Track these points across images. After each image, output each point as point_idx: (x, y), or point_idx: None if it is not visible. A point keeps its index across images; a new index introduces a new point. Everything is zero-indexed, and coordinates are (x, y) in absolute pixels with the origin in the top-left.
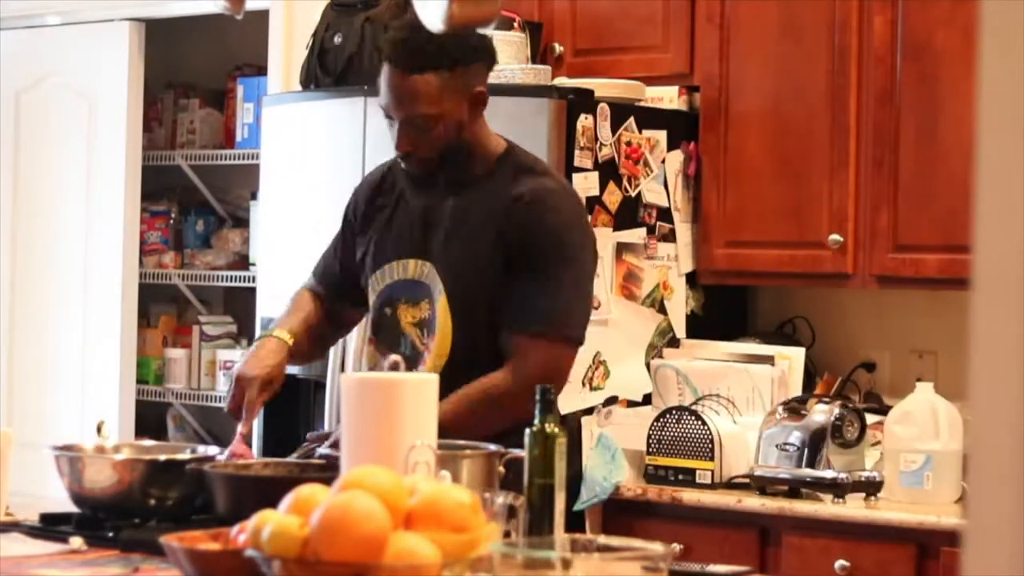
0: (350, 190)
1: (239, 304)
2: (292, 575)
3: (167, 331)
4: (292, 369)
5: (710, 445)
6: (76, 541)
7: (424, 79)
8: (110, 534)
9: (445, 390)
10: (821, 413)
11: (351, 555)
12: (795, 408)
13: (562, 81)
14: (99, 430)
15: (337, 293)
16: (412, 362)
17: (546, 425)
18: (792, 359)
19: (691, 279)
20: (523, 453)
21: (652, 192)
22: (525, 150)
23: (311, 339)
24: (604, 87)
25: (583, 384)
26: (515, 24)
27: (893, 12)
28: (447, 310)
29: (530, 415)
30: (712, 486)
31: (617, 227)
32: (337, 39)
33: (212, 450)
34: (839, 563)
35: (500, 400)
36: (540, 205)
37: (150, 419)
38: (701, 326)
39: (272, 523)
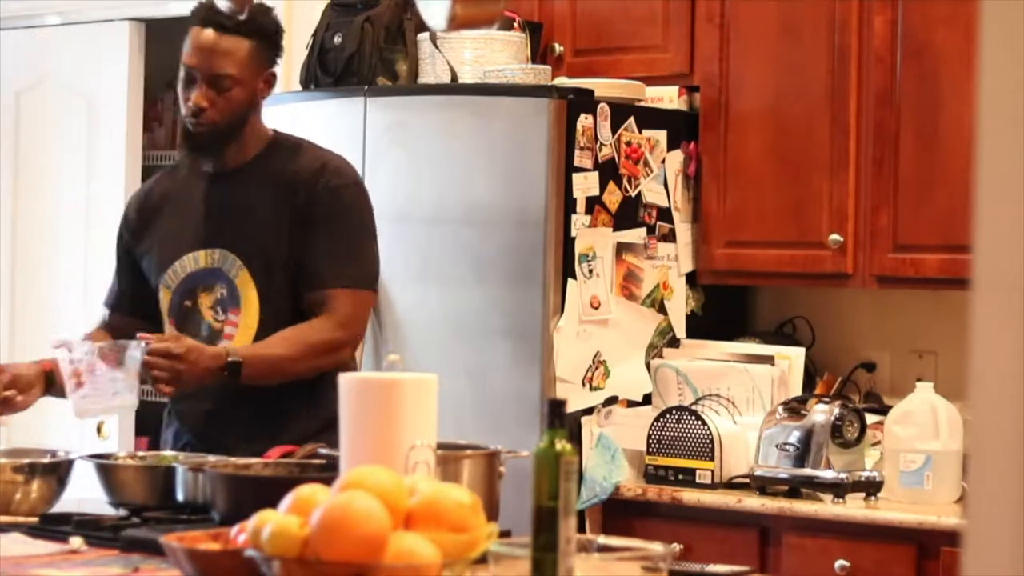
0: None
1: None
2: (292, 575)
3: None
4: None
5: (710, 445)
6: (76, 541)
7: (235, 41)
8: (110, 534)
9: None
10: (821, 413)
11: (351, 555)
12: (795, 408)
13: (562, 81)
14: (99, 430)
15: (133, 314)
16: (211, 340)
17: (555, 441)
18: (792, 359)
19: (691, 279)
20: (526, 454)
21: (652, 192)
22: (290, 134)
23: None
24: (604, 87)
25: (583, 384)
26: (515, 24)
27: (893, 12)
28: (251, 282)
29: (343, 363)
30: (712, 486)
31: (617, 227)
32: (337, 39)
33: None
34: (839, 563)
35: (323, 342)
36: (322, 172)
37: (149, 418)
38: (701, 326)
39: (272, 523)
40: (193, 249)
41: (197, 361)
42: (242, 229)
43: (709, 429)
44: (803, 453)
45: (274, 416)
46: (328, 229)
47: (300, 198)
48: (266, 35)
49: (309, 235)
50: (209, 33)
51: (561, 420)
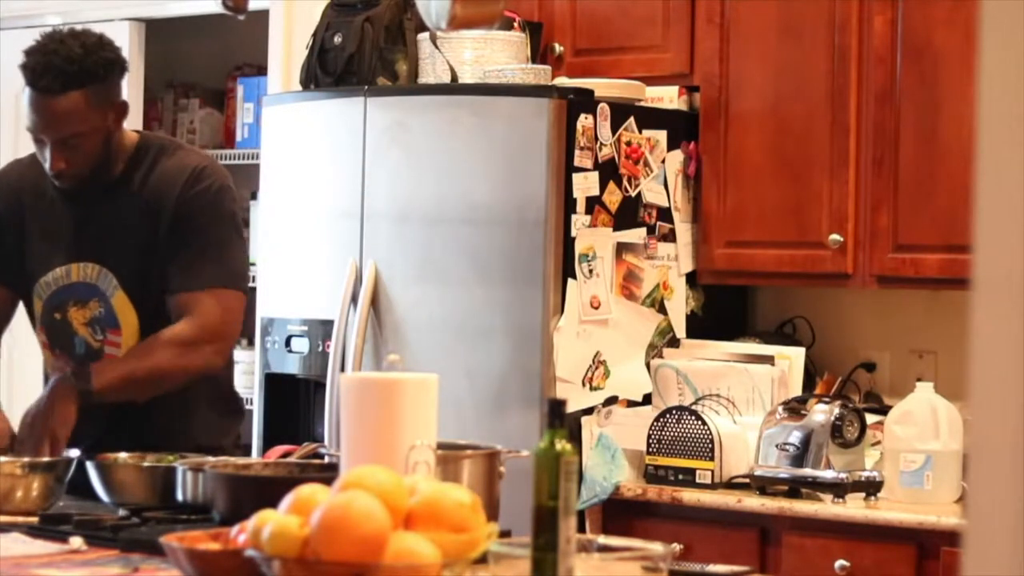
0: (350, 190)
1: None
2: (292, 575)
3: None
4: (292, 368)
5: (710, 445)
6: (76, 541)
7: (70, 98)
8: (110, 534)
9: None
10: (821, 413)
11: (351, 555)
12: (795, 408)
13: (562, 81)
14: None
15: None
16: (89, 358)
17: (555, 441)
18: (792, 359)
19: (691, 279)
20: (526, 454)
21: (652, 192)
22: (156, 133)
23: None
24: (604, 87)
25: (583, 384)
26: (515, 24)
27: (893, 12)
28: (128, 304)
29: (214, 365)
30: (712, 486)
31: (617, 227)
32: (337, 39)
33: None
34: (839, 563)
35: (179, 340)
36: (186, 179)
37: None
38: (701, 326)
39: (272, 523)
40: (64, 262)
41: (40, 410)
42: (114, 247)
43: (709, 429)
44: (803, 453)
45: (147, 438)
46: (189, 233)
47: (166, 210)
48: (97, 78)
49: (172, 243)
50: (41, 98)
51: (561, 420)
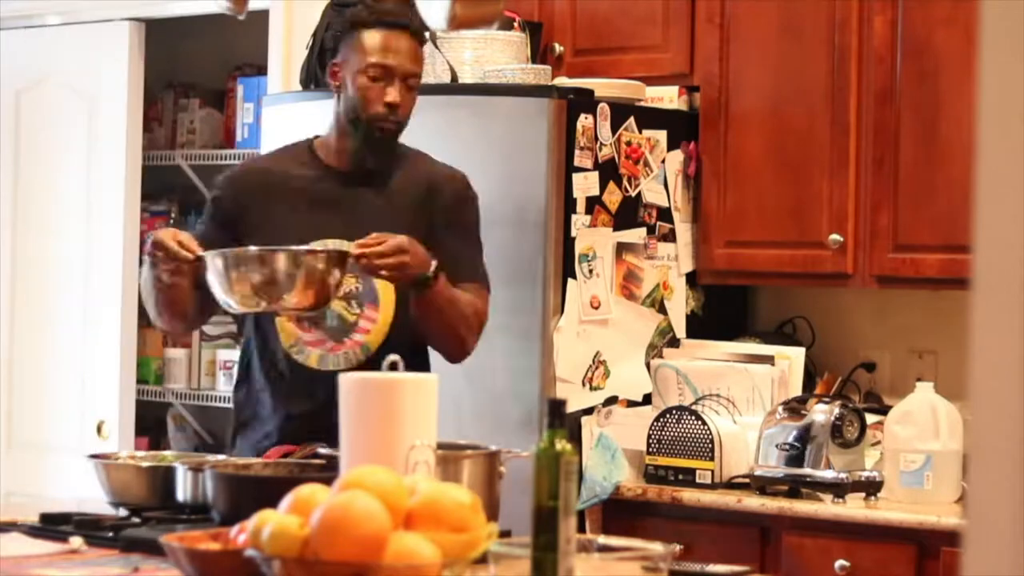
0: None
1: None
2: (292, 575)
3: None
4: None
5: (710, 445)
6: (76, 541)
7: (414, 41)
8: (110, 534)
9: (388, 351)
10: (821, 413)
11: (351, 555)
12: (795, 408)
13: (562, 81)
14: (99, 430)
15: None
16: (341, 331)
17: (555, 441)
18: (792, 359)
19: (691, 279)
20: (526, 454)
21: (652, 192)
22: None
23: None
24: (604, 87)
25: (583, 384)
26: (515, 24)
27: (893, 12)
28: (389, 283)
29: (470, 351)
30: (712, 486)
31: (617, 227)
32: None
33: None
34: (839, 563)
35: (477, 319)
36: (460, 180)
37: (150, 419)
38: (701, 326)
39: (272, 523)
40: (323, 237)
41: (416, 251)
42: (386, 228)
43: (709, 429)
44: (803, 453)
45: None
46: (462, 232)
47: (444, 199)
48: (421, 34)
49: (450, 235)
50: (390, 34)
51: (561, 420)
